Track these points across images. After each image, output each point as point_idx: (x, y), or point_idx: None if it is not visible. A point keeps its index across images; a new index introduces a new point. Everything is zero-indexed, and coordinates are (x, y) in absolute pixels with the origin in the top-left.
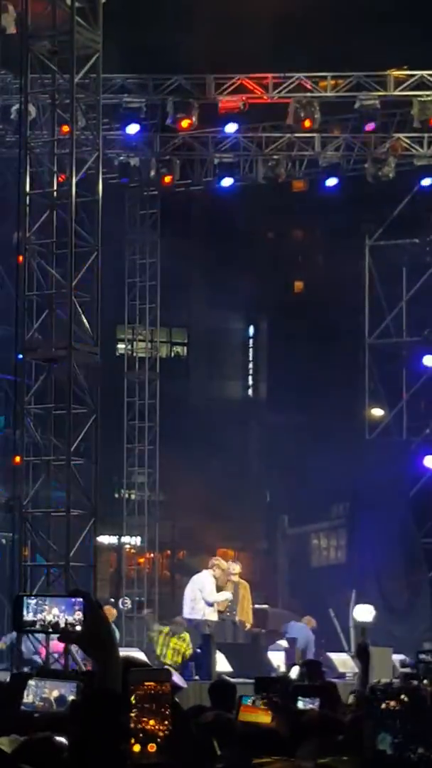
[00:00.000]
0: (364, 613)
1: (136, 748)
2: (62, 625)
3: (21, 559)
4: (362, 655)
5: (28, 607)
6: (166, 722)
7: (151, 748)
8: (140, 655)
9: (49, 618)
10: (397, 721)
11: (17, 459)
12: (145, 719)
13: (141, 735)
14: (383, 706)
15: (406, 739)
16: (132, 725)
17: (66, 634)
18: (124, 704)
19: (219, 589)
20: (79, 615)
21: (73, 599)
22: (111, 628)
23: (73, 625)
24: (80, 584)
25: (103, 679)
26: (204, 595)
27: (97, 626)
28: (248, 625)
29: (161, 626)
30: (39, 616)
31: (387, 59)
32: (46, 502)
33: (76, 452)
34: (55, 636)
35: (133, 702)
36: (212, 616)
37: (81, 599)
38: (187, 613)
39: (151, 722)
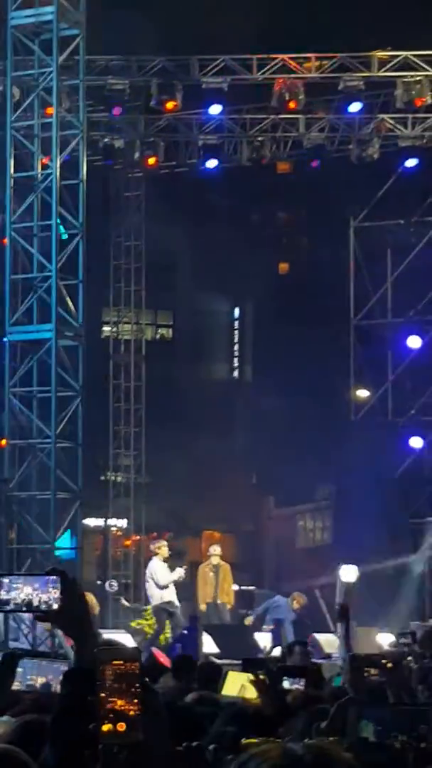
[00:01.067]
0: (348, 573)
1: (106, 727)
2: (36, 603)
3: (7, 542)
4: (344, 616)
5: (1, 587)
6: (136, 701)
7: (120, 727)
8: (126, 638)
9: (23, 596)
10: (384, 709)
11: (2, 442)
12: (114, 699)
13: (111, 715)
14: (365, 674)
15: (388, 726)
16: (101, 705)
17: (42, 613)
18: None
19: (173, 568)
20: (54, 593)
21: (48, 577)
22: (88, 606)
23: (48, 603)
24: (66, 567)
25: (80, 657)
26: (157, 580)
27: (74, 604)
28: (229, 606)
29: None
30: (12, 594)
31: (371, 40)
32: (32, 485)
33: (62, 435)
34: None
35: (102, 681)
36: (170, 596)
37: (56, 577)
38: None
39: (121, 702)
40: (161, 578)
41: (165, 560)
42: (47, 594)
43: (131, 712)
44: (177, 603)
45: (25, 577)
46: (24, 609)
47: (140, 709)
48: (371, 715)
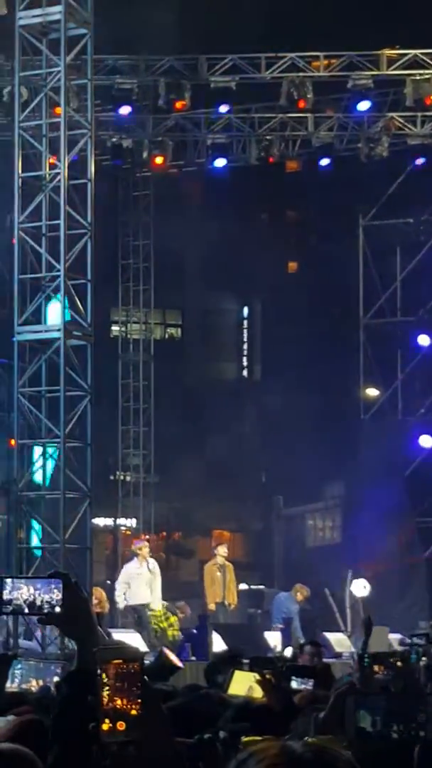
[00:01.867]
0: (358, 587)
1: (105, 726)
2: (38, 603)
3: (16, 542)
4: (368, 627)
5: (4, 589)
6: (137, 701)
7: (120, 726)
8: (136, 638)
9: (25, 596)
10: (382, 698)
11: (12, 442)
12: (115, 698)
13: (112, 714)
14: (375, 669)
15: (387, 717)
16: (102, 704)
17: (44, 615)
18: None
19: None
20: (56, 595)
21: (51, 580)
22: (90, 609)
23: (50, 604)
24: (76, 566)
25: (83, 659)
26: (119, 576)
27: (75, 607)
28: (234, 606)
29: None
30: (14, 593)
31: (380, 38)
32: (41, 485)
33: (71, 434)
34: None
35: (104, 681)
36: (146, 599)
37: (59, 579)
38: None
39: (122, 701)
40: (121, 576)
41: (142, 561)
42: (49, 594)
43: (132, 712)
44: (153, 607)
45: (27, 579)
46: (26, 610)
47: (141, 708)
48: (368, 705)
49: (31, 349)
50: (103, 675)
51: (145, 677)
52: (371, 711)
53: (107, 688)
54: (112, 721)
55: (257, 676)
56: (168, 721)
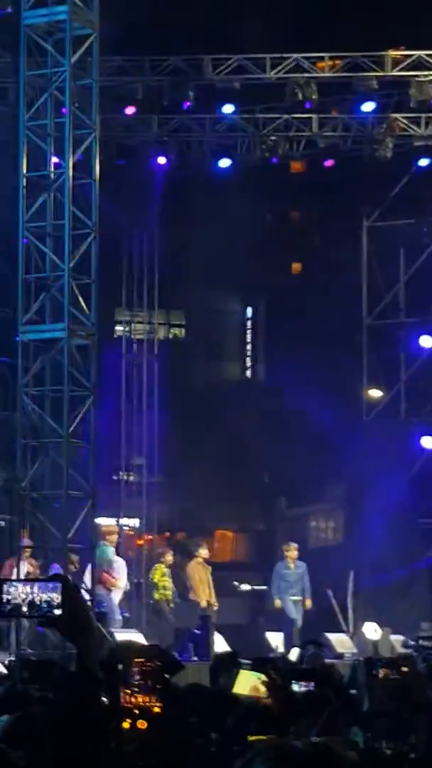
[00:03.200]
0: (370, 631)
1: (126, 725)
2: (37, 602)
3: (19, 541)
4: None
5: (5, 591)
6: (158, 698)
7: (141, 724)
8: (139, 638)
9: (23, 595)
10: (372, 715)
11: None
12: (136, 696)
13: (135, 711)
14: (381, 674)
15: (378, 733)
16: (124, 702)
17: (44, 619)
18: (110, 683)
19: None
20: (56, 596)
21: (50, 582)
22: (89, 613)
23: (49, 604)
24: (79, 566)
25: (83, 662)
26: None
27: (75, 611)
28: (216, 607)
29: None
30: (12, 592)
31: (384, 39)
32: (44, 484)
33: (74, 434)
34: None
35: (125, 678)
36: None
37: (59, 583)
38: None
39: (144, 698)
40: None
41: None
42: (48, 594)
43: (155, 709)
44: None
45: (25, 582)
46: (24, 609)
47: (162, 705)
48: (362, 721)
49: (35, 349)
50: (125, 672)
51: (167, 675)
52: (363, 728)
53: (129, 685)
54: (133, 719)
55: (262, 677)
56: (187, 719)
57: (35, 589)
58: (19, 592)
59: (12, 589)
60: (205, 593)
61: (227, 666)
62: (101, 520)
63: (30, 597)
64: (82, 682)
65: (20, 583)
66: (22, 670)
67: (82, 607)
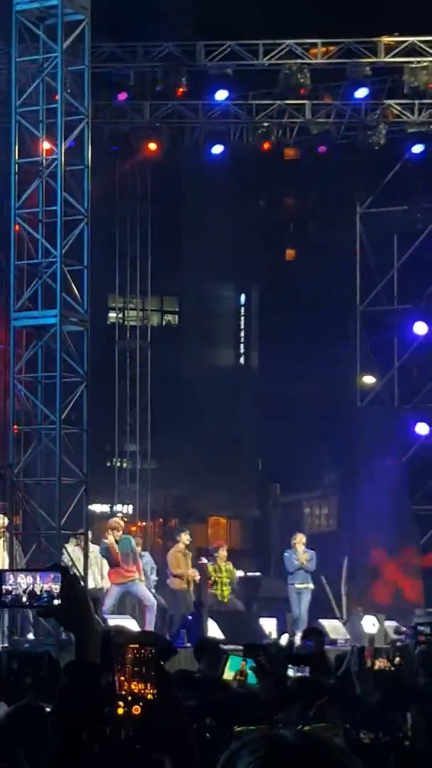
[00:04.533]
0: (368, 625)
1: (120, 710)
2: (38, 592)
3: (12, 528)
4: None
5: (4, 581)
6: (153, 685)
7: (136, 710)
8: (131, 624)
9: (24, 585)
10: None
11: (15, 428)
12: (131, 682)
13: (129, 698)
14: (377, 666)
15: (359, 724)
16: (118, 689)
17: (42, 608)
18: (108, 668)
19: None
20: (56, 586)
21: (49, 573)
22: (89, 601)
23: (50, 594)
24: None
25: (82, 651)
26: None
27: (74, 601)
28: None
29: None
30: (12, 585)
31: (378, 25)
32: (37, 471)
33: (67, 421)
34: None
35: (119, 666)
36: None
37: (58, 573)
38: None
39: (138, 685)
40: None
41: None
42: (48, 584)
43: (149, 696)
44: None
45: (25, 571)
46: (25, 599)
47: (157, 692)
48: (345, 713)
49: (28, 335)
50: (120, 659)
51: (161, 661)
52: (342, 719)
53: (123, 672)
54: (128, 705)
55: (251, 663)
56: (182, 705)
57: (36, 580)
58: (20, 583)
59: (13, 580)
60: (184, 579)
61: (208, 653)
62: (96, 507)
63: (31, 587)
64: (82, 671)
65: (21, 573)
66: (10, 661)
67: (82, 596)
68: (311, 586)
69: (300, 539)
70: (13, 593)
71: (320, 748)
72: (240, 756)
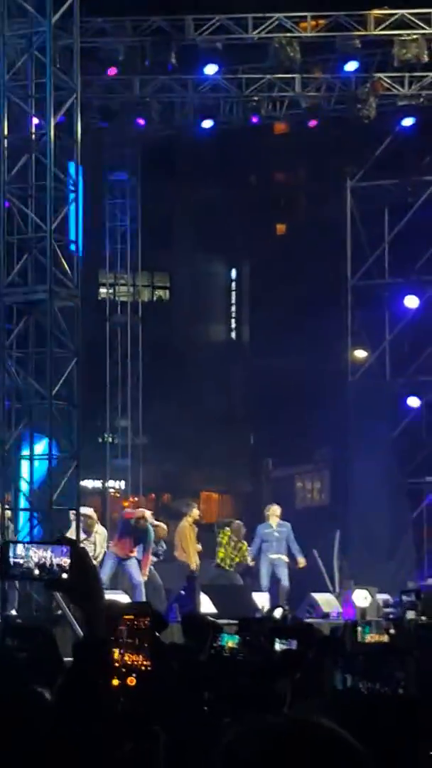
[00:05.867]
0: (360, 598)
1: (116, 682)
2: (48, 565)
3: (3, 504)
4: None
5: (15, 554)
6: (147, 656)
7: (131, 681)
8: (124, 598)
9: (36, 559)
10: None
11: None
12: (126, 654)
13: (123, 670)
14: (368, 639)
15: (358, 676)
16: (113, 661)
17: (53, 582)
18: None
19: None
20: (66, 560)
21: (61, 547)
22: (98, 575)
23: (61, 568)
24: (64, 528)
25: (90, 627)
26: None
27: (83, 575)
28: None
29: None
30: (25, 559)
31: None
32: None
33: (58, 396)
34: None
35: (115, 636)
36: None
37: (68, 547)
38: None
39: (133, 657)
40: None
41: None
42: (60, 558)
43: (143, 668)
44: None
45: (37, 544)
46: (36, 572)
47: (152, 663)
48: (344, 665)
49: (18, 311)
50: (114, 631)
51: (156, 633)
52: (344, 670)
53: (118, 643)
54: (122, 677)
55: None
56: (175, 675)
57: (49, 553)
58: (32, 556)
59: (24, 552)
60: (195, 555)
61: (194, 630)
62: (88, 483)
63: (43, 561)
64: (91, 649)
65: (33, 546)
66: (4, 636)
67: (91, 569)
68: (285, 558)
69: (273, 511)
70: (24, 566)
71: (313, 734)
72: (234, 749)
